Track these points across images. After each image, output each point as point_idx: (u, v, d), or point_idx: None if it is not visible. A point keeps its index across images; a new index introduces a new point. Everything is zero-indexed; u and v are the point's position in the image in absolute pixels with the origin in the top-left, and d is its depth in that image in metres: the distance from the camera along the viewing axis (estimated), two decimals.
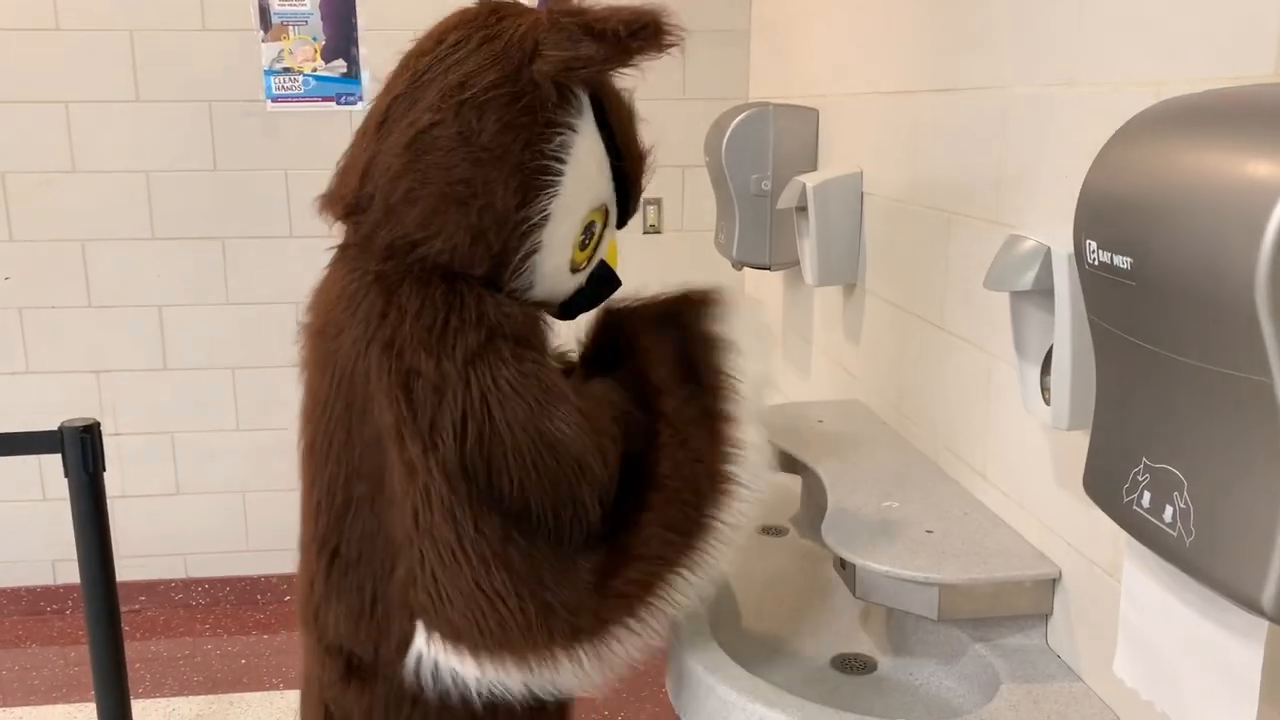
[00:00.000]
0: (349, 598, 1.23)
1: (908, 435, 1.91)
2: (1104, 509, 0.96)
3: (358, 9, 3.09)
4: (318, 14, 3.07)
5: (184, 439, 3.28)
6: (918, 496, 1.64)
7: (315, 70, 3.10)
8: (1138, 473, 0.88)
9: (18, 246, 3.13)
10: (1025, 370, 1.31)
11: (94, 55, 3.05)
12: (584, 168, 1.20)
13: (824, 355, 2.48)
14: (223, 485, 3.31)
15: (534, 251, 1.20)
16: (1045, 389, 1.28)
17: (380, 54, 3.11)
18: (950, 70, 1.72)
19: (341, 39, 3.10)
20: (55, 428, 1.90)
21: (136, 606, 3.37)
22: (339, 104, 3.13)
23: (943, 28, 1.76)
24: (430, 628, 1.14)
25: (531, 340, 1.19)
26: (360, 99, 3.13)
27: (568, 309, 1.36)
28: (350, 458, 1.19)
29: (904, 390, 1.94)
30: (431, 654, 1.15)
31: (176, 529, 3.34)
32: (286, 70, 3.09)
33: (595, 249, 1.31)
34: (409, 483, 1.13)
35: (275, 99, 3.10)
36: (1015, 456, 1.51)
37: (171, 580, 3.38)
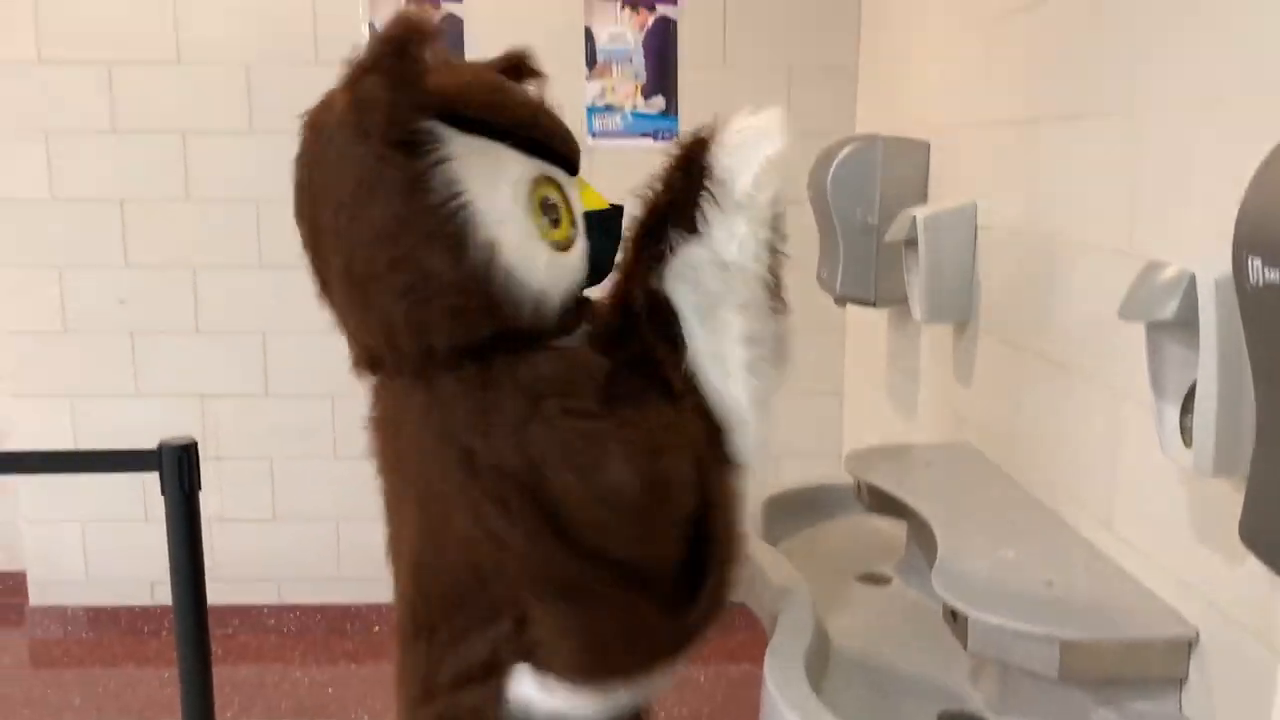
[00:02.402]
0: (453, 663, 1.27)
1: (1023, 481, 1.80)
2: (1263, 558, 0.86)
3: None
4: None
5: (282, 465, 3.31)
6: (1035, 546, 1.53)
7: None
8: None
9: (132, 272, 3.22)
10: (1163, 410, 1.20)
11: (211, 87, 3.14)
12: (483, 175, 1.15)
13: (931, 396, 2.38)
14: (318, 512, 3.33)
15: (509, 277, 1.16)
16: (1186, 430, 1.17)
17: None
18: (1075, 96, 1.63)
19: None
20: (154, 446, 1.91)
21: (229, 630, 3.39)
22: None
23: (1065, 52, 1.68)
24: (545, 672, 1.20)
25: (571, 388, 1.19)
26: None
27: (595, 271, 1.32)
28: (434, 545, 1.24)
29: (1019, 433, 1.83)
30: (539, 696, 1.21)
31: (271, 554, 3.37)
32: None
33: (570, 213, 1.27)
34: (501, 554, 1.16)
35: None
36: (1146, 505, 1.39)
37: (264, 605, 3.41)
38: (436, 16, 1.07)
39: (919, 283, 2.12)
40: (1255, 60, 1.15)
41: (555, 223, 1.23)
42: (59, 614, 3.43)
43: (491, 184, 1.15)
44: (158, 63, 3.13)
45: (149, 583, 3.37)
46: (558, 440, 1.14)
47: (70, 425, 3.30)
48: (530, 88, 1.31)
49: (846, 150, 2.40)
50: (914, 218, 2.09)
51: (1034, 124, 1.80)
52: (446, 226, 1.12)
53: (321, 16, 3.13)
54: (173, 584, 1.96)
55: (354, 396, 1.36)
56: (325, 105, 1.18)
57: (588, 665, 1.19)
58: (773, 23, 3.16)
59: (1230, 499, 1.17)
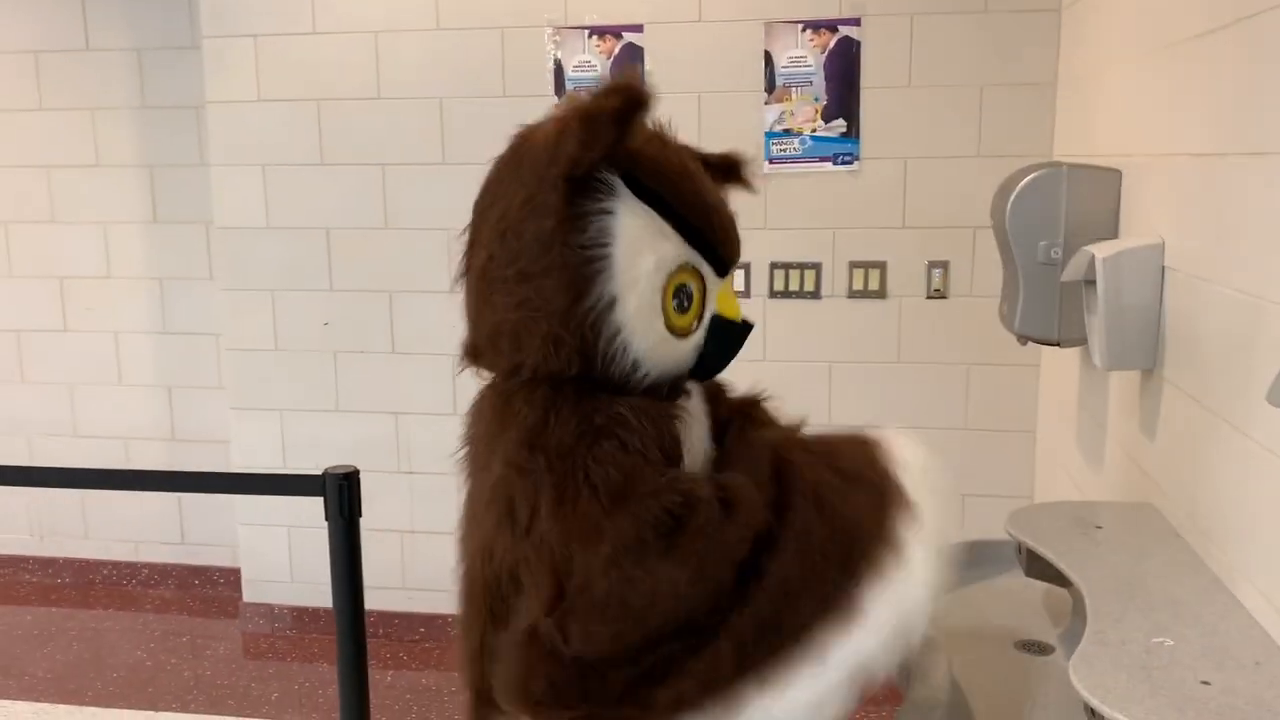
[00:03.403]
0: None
1: (1202, 553, 1.62)
2: None
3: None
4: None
5: None
6: (1199, 634, 1.37)
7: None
8: None
9: (336, 296, 3.44)
10: None
11: (409, 121, 3.31)
12: (635, 241, 1.23)
13: (1118, 446, 2.19)
14: None
15: (615, 334, 1.24)
16: None
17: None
18: (1265, 129, 1.46)
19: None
20: (321, 471, 2.03)
21: (416, 637, 3.56)
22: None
23: (1259, 77, 1.50)
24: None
25: (635, 431, 1.22)
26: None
27: (700, 370, 1.37)
28: (479, 558, 1.30)
29: (1199, 500, 1.65)
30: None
31: None
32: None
33: (702, 307, 1.32)
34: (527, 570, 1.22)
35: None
36: None
37: (449, 616, 3.55)
38: (643, 80, 1.23)
39: (1098, 326, 1.96)
40: None
41: (682, 309, 1.29)
42: (267, 610, 3.71)
43: (639, 250, 1.23)
44: (361, 99, 3.33)
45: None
46: (607, 462, 1.18)
47: (279, 436, 3.56)
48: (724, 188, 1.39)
49: (1027, 180, 2.25)
50: (1092, 256, 1.93)
51: (1222, 159, 1.62)
52: (580, 267, 1.21)
53: (510, 56, 3.24)
54: (334, 601, 2.07)
55: None
56: (538, 124, 1.29)
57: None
58: (962, 39, 3.00)
59: None
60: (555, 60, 3.20)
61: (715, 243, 1.32)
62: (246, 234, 3.48)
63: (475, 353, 1.34)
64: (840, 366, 3.20)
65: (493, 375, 1.34)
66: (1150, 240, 1.91)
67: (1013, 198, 2.27)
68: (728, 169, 1.42)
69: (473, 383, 3.49)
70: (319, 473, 2.04)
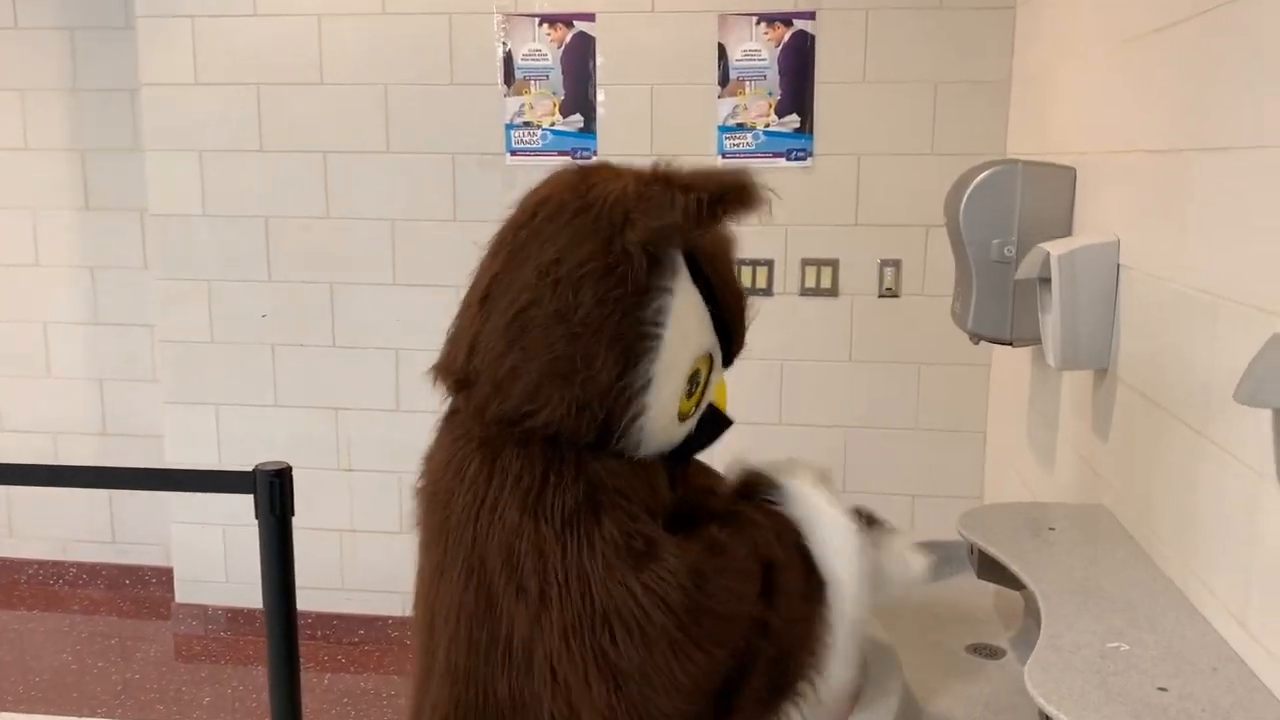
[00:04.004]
0: None
1: (1155, 556, 1.60)
2: None
3: (597, 65, 3.10)
4: (559, 69, 3.09)
5: (411, 479, 3.35)
6: (1154, 639, 1.34)
7: (553, 125, 3.12)
8: None
9: (275, 287, 3.34)
10: None
11: (352, 107, 3.21)
12: (684, 326, 1.20)
13: (1069, 447, 2.16)
14: None
15: (640, 414, 1.19)
16: None
17: (615, 109, 3.10)
18: (1223, 125, 1.43)
19: (580, 94, 3.11)
20: (250, 468, 1.94)
21: (356, 639, 3.47)
22: (574, 158, 3.13)
23: (1216, 72, 1.47)
24: None
25: (633, 496, 1.20)
26: (594, 153, 3.12)
27: (676, 455, 1.32)
28: (472, 624, 1.21)
29: (1155, 501, 1.63)
30: None
31: (401, 567, 3.41)
32: (526, 124, 3.12)
33: (702, 395, 1.29)
34: (535, 646, 1.16)
35: (515, 152, 3.14)
36: None
37: (389, 617, 3.46)
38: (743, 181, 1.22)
39: (1052, 324, 1.93)
40: None
41: (689, 395, 1.25)
42: (200, 611, 3.59)
43: (686, 336, 1.20)
44: (302, 85, 3.23)
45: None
46: (613, 533, 1.15)
47: (215, 431, 3.45)
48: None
49: (981, 177, 2.22)
50: (1047, 254, 1.90)
51: (1179, 155, 1.59)
52: (637, 342, 1.17)
53: (458, 43, 3.16)
54: (265, 603, 1.99)
55: None
56: (602, 175, 1.23)
57: None
58: (917, 36, 2.98)
59: None
60: (504, 48, 3.13)
61: (735, 335, 1.30)
62: (182, 222, 3.36)
63: (466, 382, 1.25)
64: (791, 365, 3.17)
65: (461, 402, 1.26)
66: (1106, 238, 1.88)
67: (967, 194, 2.23)
68: (736, 200, 1.36)
69: (416, 379, 3.39)
70: (250, 470, 1.95)
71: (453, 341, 1.28)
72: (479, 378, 1.22)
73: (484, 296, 1.23)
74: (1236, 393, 0.96)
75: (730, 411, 1.37)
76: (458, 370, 1.25)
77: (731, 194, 1.16)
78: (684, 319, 1.20)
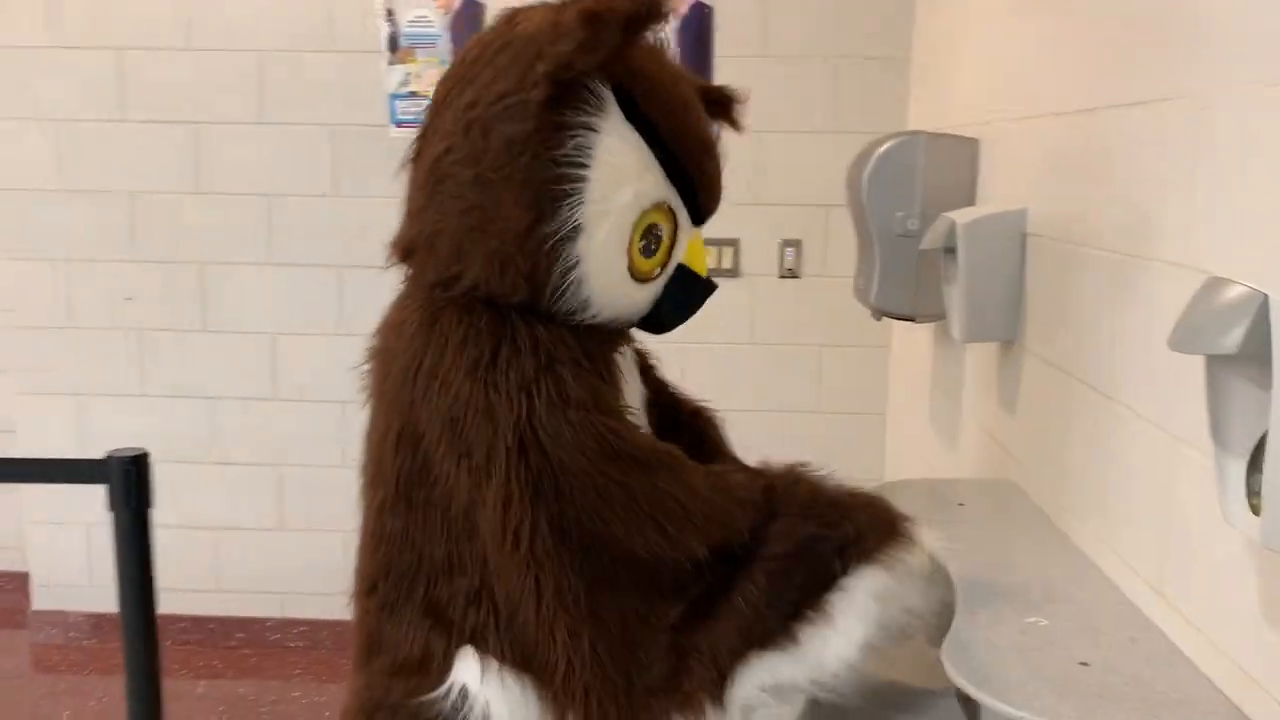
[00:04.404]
0: (403, 629, 1.19)
1: (1068, 530, 1.55)
2: None
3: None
4: (447, 36, 2.93)
5: (291, 472, 3.17)
6: (1073, 612, 1.29)
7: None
8: None
9: (140, 267, 3.11)
10: (1225, 464, 0.96)
11: (223, 76, 3.01)
12: (615, 168, 1.11)
13: (975, 424, 2.12)
14: (327, 523, 3.16)
15: (572, 267, 1.11)
16: (1254, 493, 0.92)
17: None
18: (1134, 79, 1.38)
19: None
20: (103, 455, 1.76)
21: (233, 643, 3.26)
22: None
23: (1124, 28, 1.42)
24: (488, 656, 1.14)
25: (592, 364, 1.15)
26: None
27: (653, 323, 1.28)
28: (406, 485, 1.17)
29: (1065, 473, 1.58)
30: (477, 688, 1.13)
31: (278, 566, 3.23)
32: (412, 94, 2.96)
33: (669, 254, 1.21)
34: (480, 516, 1.11)
35: (400, 124, 2.98)
36: (1206, 575, 1.14)
37: (268, 619, 3.26)
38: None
39: (958, 296, 1.88)
40: None
41: (648, 252, 1.18)
42: (60, 619, 3.33)
43: (619, 180, 1.11)
44: (168, 49, 3.01)
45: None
46: (575, 393, 1.10)
47: (74, 424, 3.20)
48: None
49: (884, 148, 2.16)
50: (952, 223, 1.84)
51: (1090, 115, 1.55)
52: (548, 184, 1.08)
53: (338, 6, 2.99)
54: (121, 606, 1.81)
55: (359, 403, 1.27)
56: (527, 12, 1.15)
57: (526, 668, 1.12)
58: (819, 10, 2.93)
59: None
60: (388, 13, 2.96)
61: (700, 187, 1.20)
62: (33, 197, 3.11)
63: (407, 251, 1.20)
64: (693, 347, 3.07)
65: (416, 279, 1.21)
66: (1012, 206, 1.84)
67: (869, 167, 2.18)
68: (718, 104, 1.30)
69: (295, 364, 3.21)
70: (103, 457, 1.77)
71: (403, 213, 1.23)
72: (417, 245, 1.17)
73: (416, 154, 1.19)
74: (1170, 340, 0.90)
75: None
76: (400, 239, 1.20)
77: (633, 7, 1.07)
78: (615, 160, 1.10)
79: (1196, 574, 1.16)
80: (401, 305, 1.21)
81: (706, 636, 1.14)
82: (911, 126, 2.90)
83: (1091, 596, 1.34)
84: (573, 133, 1.07)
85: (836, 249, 3.00)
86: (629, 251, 1.15)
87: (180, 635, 3.24)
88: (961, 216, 1.85)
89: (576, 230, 1.09)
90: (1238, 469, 0.94)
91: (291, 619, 3.27)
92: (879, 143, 2.20)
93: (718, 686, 1.14)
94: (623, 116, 1.11)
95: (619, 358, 1.23)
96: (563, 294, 1.12)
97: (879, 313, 2.30)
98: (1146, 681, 1.11)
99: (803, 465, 1.27)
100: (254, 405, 3.16)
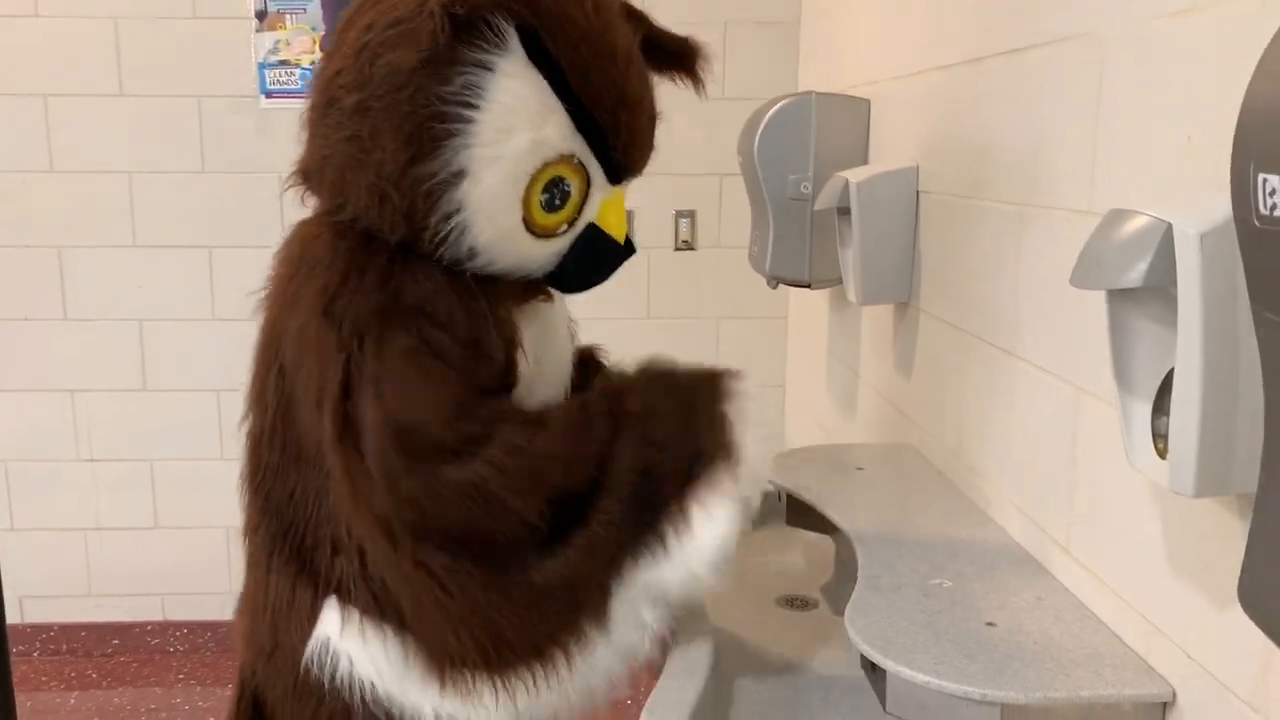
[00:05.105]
0: (278, 576, 1.16)
1: (969, 491, 1.52)
2: (1269, 631, 0.58)
3: None
4: (317, 1, 2.78)
5: (164, 467, 2.98)
6: (977, 573, 1.26)
7: (314, 64, 2.82)
8: None
9: None
10: (1129, 408, 0.92)
11: (75, 45, 2.80)
12: (511, 112, 1.03)
13: (872, 390, 2.09)
14: (206, 520, 2.99)
15: (453, 212, 1.04)
16: (1160, 435, 0.89)
17: None
18: (1025, 22, 1.34)
19: None
20: None
21: (108, 651, 3.07)
22: None
23: None
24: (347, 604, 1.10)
25: (435, 315, 1.08)
26: None
27: (561, 280, 1.20)
28: (281, 417, 1.14)
29: (965, 434, 1.55)
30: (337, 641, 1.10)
31: (156, 566, 3.04)
32: (283, 63, 2.80)
33: (578, 211, 1.13)
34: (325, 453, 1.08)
35: (270, 94, 2.82)
36: (1112, 527, 1.11)
37: (147, 623, 3.08)
38: None
39: (853, 258, 1.84)
40: None
41: (551, 207, 1.10)
42: None
43: (513, 125, 1.04)
44: (13, 17, 2.79)
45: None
46: (400, 349, 1.04)
47: None
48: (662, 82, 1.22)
49: (775, 109, 2.11)
50: (846, 182, 1.80)
51: (978, 65, 1.51)
52: (429, 122, 1.01)
53: None
54: None
55: (240, 391, 1.17)
56: None
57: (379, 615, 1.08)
58: None
59: (1217, 524, 0.89)
60: None
61: (615, 144, 1.11)
62: None
63: (305, 175, 1.14)
64: (591, 323, 2.99)
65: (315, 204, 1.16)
66: (904, 164, 1.80)
67: (760, 129, 2.12)
68: (677, 56, 1.22)
69: (164, 352, 3.02)
70: None
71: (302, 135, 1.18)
72: (310, 171, 1.13)
73: (317, 74, 1.14)
74: (1072, 277, 0.85)
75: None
76: (300, 161, 1.15)
77: None
78: (512, 104, 1.03)
79: (1101, 528, 1.14)
80: (295, 228, 1.17)
81: (568, 566, 1.09)
82: (801, 90, 2.86)
83: (995, 556, 1.31)
84: (463, 69, 1.00)
85: (730, 219, 2.95)
86: (526, 203, 1.08)
87: (49, 645, 3.05)
88: (855, 175, 1.80)
89: (460, 174, 1.02)
90: (1143, 412, 0.90)
91: (173, 622, 3.09)
92: (771, 104, 2.14)
93: (594, 610, 1.10)
94: (526, 58, 1.04)
95: (523, 310, 1.17)
96: (444, 239, 1.06)
97: (774, 280, 2.25)
98: (1056, 640, 1.09)
99: (650, 367, 1.24)
100: (121, 398, 2.96)
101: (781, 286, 2.30)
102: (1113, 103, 1.11)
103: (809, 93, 2.12)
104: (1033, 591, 1.20)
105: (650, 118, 1.17)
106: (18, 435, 2.95)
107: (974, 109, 1.53)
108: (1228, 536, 0.88)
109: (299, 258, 1.12)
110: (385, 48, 1.01)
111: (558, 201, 1.11)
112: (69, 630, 3.07)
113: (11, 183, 2.86)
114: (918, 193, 1.77)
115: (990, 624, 1.11)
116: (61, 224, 2.88)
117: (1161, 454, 0.88)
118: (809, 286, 2.22)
